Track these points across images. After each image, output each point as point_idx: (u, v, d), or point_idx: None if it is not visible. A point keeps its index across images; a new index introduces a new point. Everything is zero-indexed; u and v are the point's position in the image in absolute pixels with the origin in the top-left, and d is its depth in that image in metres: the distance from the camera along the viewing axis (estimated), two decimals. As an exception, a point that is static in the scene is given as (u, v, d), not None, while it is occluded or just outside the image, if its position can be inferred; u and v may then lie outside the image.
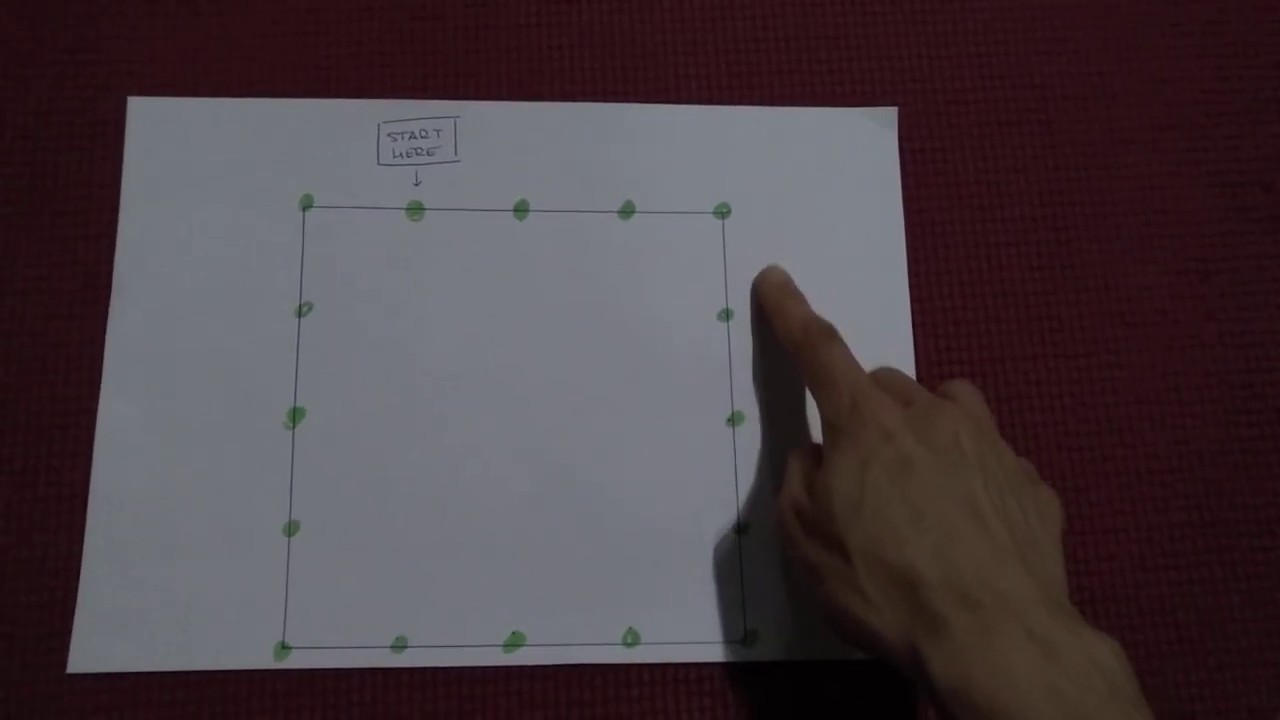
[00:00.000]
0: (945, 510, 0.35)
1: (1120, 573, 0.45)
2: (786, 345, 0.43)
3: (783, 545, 0.40)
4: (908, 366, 0.46)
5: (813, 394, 0.41)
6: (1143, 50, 0.50)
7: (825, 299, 0.46)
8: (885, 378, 0.41)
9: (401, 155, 0.47)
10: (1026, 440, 0.46)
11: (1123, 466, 0.46)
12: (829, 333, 0.42)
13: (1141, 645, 0.44)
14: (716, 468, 0.45)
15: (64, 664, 0.42)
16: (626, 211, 0.47)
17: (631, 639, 0.43)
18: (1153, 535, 0.46)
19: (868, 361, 0.45)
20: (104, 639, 0.42)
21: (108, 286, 0.45)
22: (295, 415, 0.44)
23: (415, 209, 0.47)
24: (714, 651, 0.43)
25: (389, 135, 0.47)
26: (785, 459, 0.41)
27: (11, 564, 0.43)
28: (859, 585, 0.35)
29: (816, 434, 0.44)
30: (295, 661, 0.42)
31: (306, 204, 0.46)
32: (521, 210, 0.47)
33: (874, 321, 0.47)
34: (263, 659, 0.42)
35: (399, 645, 0.43)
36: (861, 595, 0.35)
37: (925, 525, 0.35)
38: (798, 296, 0.45)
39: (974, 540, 0.35)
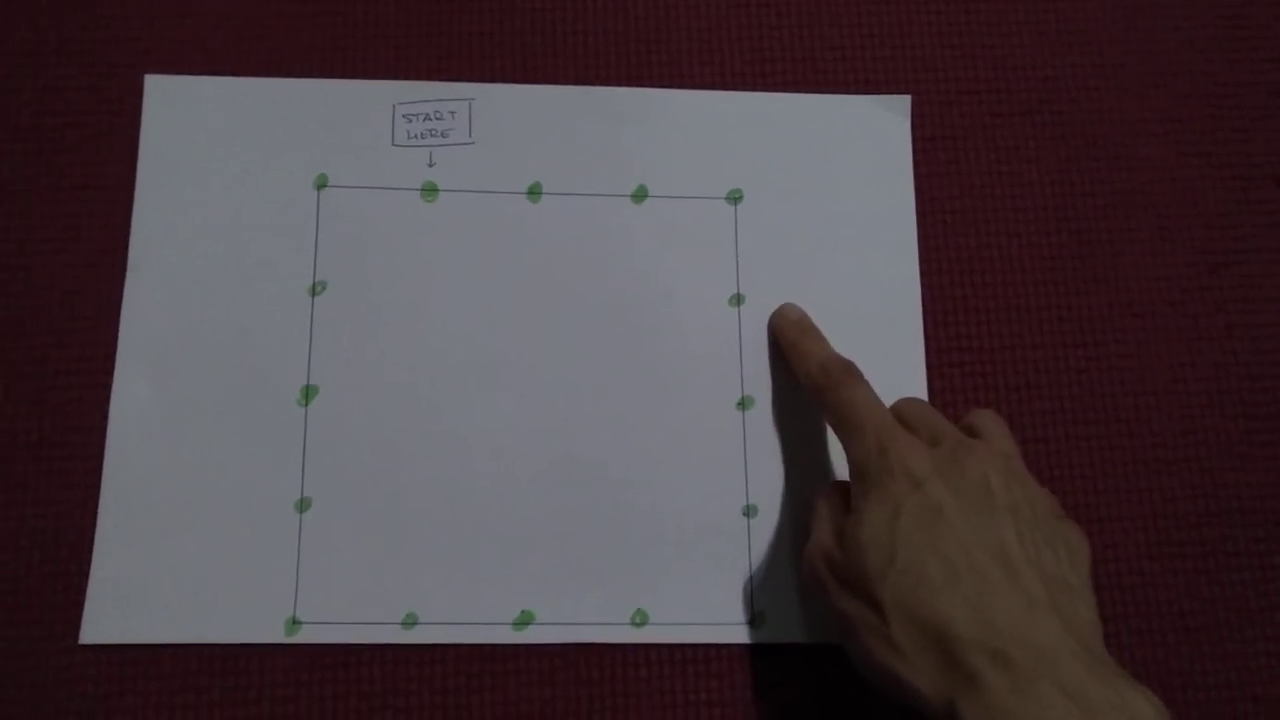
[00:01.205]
0: (978, 561, 0.35)
1: (1127, 560, 0.45)
2: (805, 385, 0.43)
3: (814, 592, 0.40)
4: (917, 355, 0.47)
5: (837, 435, 0.41)
6: (1155, 42, 0.51)
7: (836, 286, 0.47)
8: (909, 412, 0.41)
9: (416, 136, 0.47)
10: (1035, 429, 0.46)
11: (1130, 456, 0.46)
12: (850, 371, 0.41)
13: (1147, 634, 0.45)
14: (726, 451, 0.45)
15: (77, 635, 0.42)
16: (639, 196, 0.47)
17: (640, 619, 0.44)
18: (1159, 525, 0.46)
19: (878, 350, 0.45)
20: (116, 611, 0.42)
21: (123, 263, 0.45)
22: (308, 393, 0.45)
23: (430, 190, 0.47)
24: (721, 632, 0.44)
25: (404, 116, 0.47)
26: (814, 501, 0.41)
27: (26, 536, 0.43)
28: (892, 639, 0.35)
29: (823, 421, 0.45)
30: (306, 636, 0.43)
31: (321, 183, 0.47)
32: (535, 193, 0.47)
33: (884, 309, 0.47)
34: (274, 633, 0.43)
35: (409, 622, 0.43)
36: (895, 649, 0.35)
37: (958, 579, 0.35)
38: (815, 335, 0.45)
39: (1007, 593, 0.34)
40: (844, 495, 0.40)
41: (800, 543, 0.44)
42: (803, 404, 0.46)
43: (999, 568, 0.35)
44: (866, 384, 0.41)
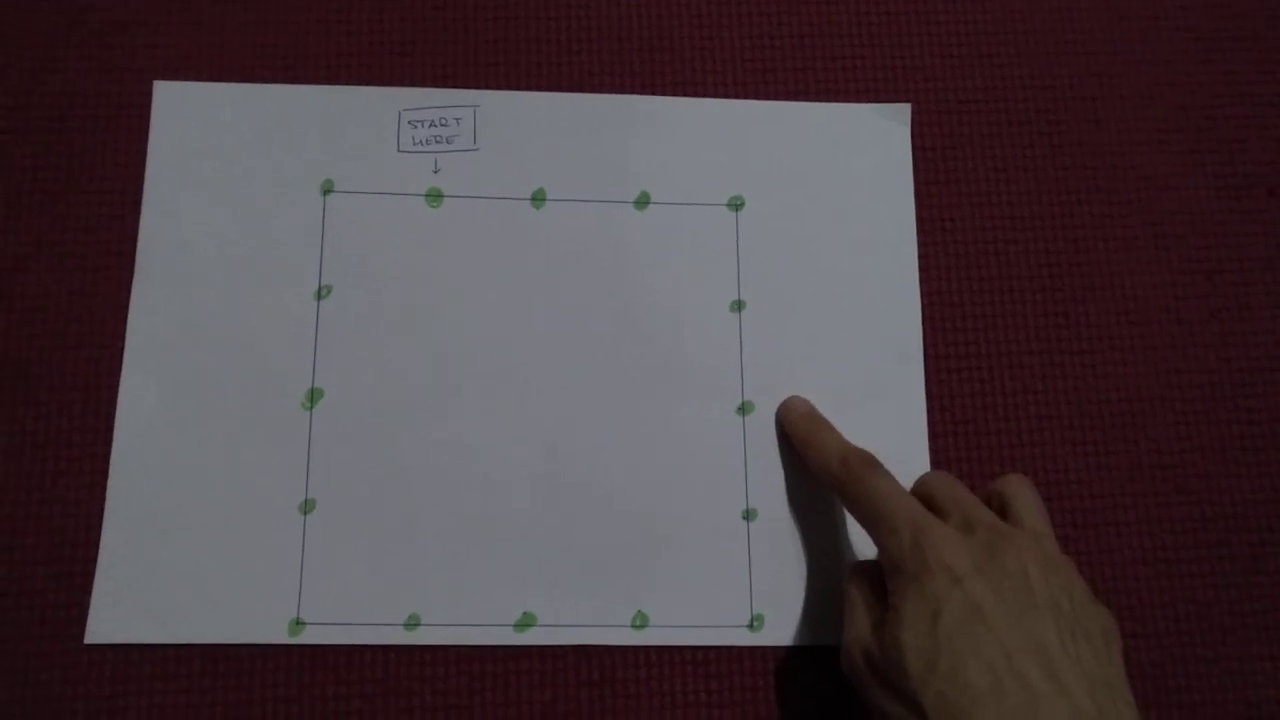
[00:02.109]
0: (1021, 667, 0.34)
1: (1121, 565, 0.46)
2: (824, 478, 0.42)
3: (850, 680, 0.39)
4: (916, 361, 0.47)
5: (864, 527, 0.40)
6: (1152, 53, 0.51)
7: (835, 293, 0.47)
8: (938, 492, 0.40)
9: (422, 143, 0.48)
10: (1031, 434, 0.47)
11: (1125, 461, 0.47)
12: (870, 463, 0.41)
13: (1141, 637, 0.45)
14: (726, 455, 0.46)
15: (82, 634, 0.42)
16: (642, 202, 0.48)
17: (640, 621, 0.44)
18: (1153, 529, 0.46)
19: (877, 357, 0.46)
20: (121, 611, 0.43)
21: (130, 267, 0.46)
22: (313, 396, 0.45)
23: (434, 196, 0.47)
24: (721, 635, 0.44)
25: (409, 123, 0.48)
26: (845, 586, 0.40)
27: (32, 536, 0.43)
28: None
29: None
30: (309, 637, 0.43)
31: (327, 189, 0.47)
32: (539, 199, 0.48)
33: (883, 315, 0.47)
34: (277, 634, 0.43)
35: (412, 623, 0.43)
36: None
37: (1002, 689, 0.34)
38: (827, 427, 0.44)
39: (1052, 704, 0.33)
40: (873, 579, 0.40)
41: (799, 545, 0.45)
42: (802, 409, 0.46)
43: (1042, 674, 0.34)
44: (888, 473, 0.40)
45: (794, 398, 0.46)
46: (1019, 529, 0.38)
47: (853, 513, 0.41)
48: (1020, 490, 0.40)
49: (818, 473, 0.43)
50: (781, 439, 0.46)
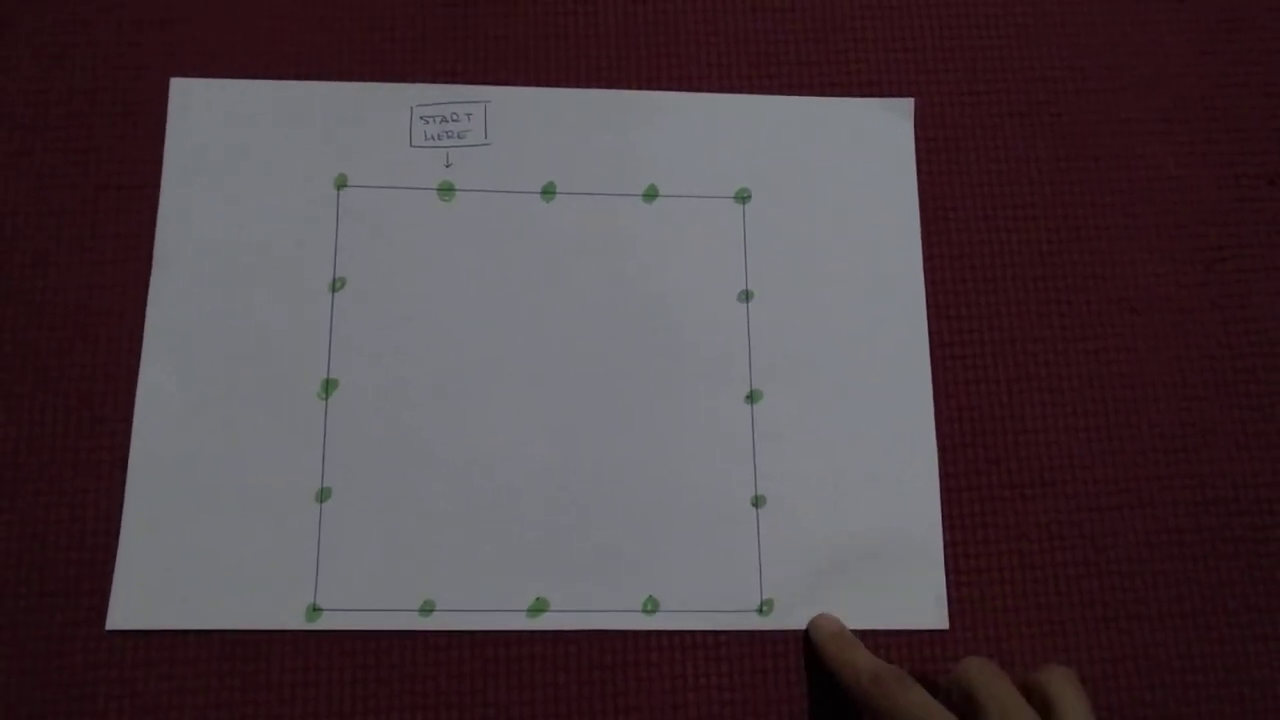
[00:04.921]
0: None
1: (1125, 548, 0.46)
2: (854, 695, 0.41)
3: None
4: (921, 350, 0.48)
5: None
6: (1153, 44, 0.52)
7: (841, 283, 0.48)
8: (978, 687, 0.38)
9: (434, 138, 0.48)
10: (1035, 422, 0.47)
11: (1128, 447, 0.47)
12: (902, 678, 0.40)
13: (1145, 619, 0.46)
14: (735, 443, 0.46)
15: (104, 620, 0.43)
16: (650, 195, 0.49)
17: (651, 606, 0.45)
18: (1157, 513, 0.47)
19: (883, 346, 0.46)
20: (142, 597, 0.43)
21: (148, 260, 0.46)
22: (328, 386, 0.46)
23: (446, 190, 0.48)
24: (731, 620, 0.45)
25: (422, 118, 0.49)
26: None
27: (54, 524, 0.44)
28: None
29: (830, 413, 0.46)
30: (326, 623, 0.44)
31: (341, 183, 0.48)
32: (549, 192, 0.48)
33: (888, 305, 0.48)
34: (295, 620, 0.44)
35: (426, 609, 0.44)
36: None
37: None
38: (856, 645, 0.43)
39: None
40: None
41: (808, 531, 0.45)
42: (808, 398, 0.47)
43: None
44: (919, 687, 0.39)
45: (823, 615, 0.45)
46: None
47: None
48: (1065, 690, 0.38)
49: (849, 688, 0.41)
50: (791, 424, 0.46)
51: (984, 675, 0.38)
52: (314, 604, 0.44)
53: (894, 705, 0.39)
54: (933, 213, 0.49)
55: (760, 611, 0.45)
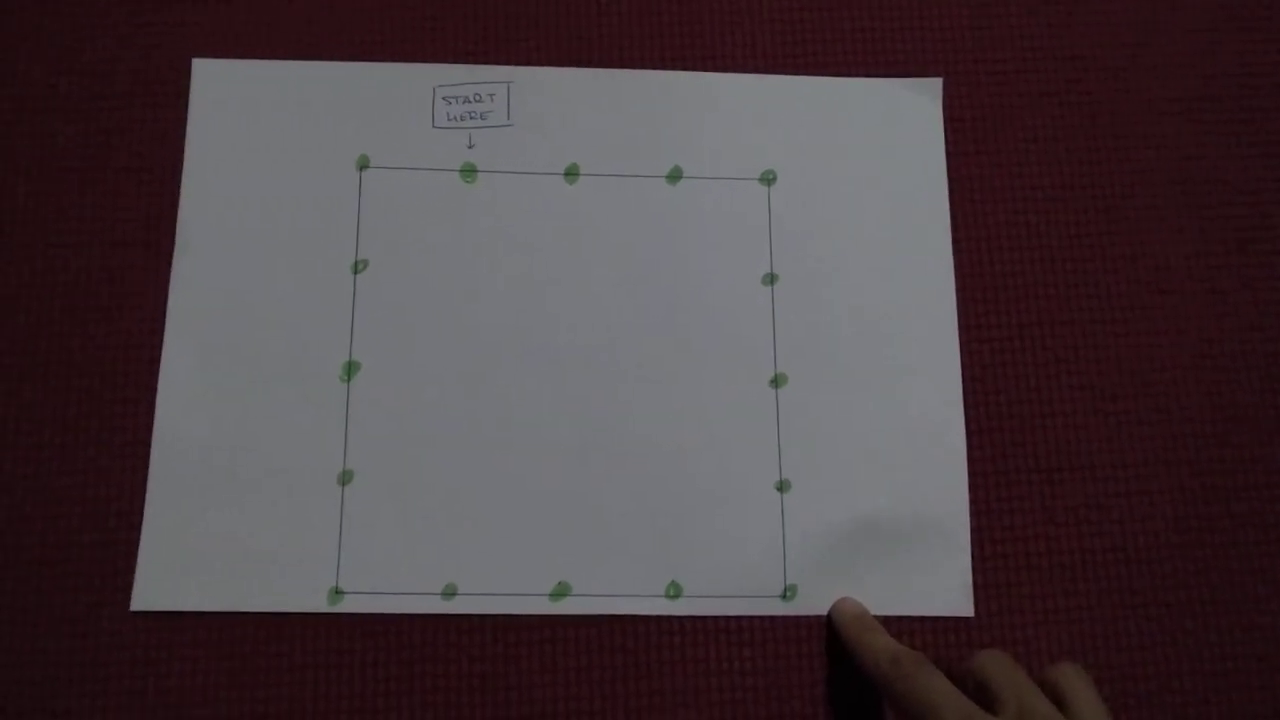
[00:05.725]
0: None
1: (1155, 533, 0.46)
2: (873, 677, 0.41)
3: None
4: (950, 333, 0.47)
5: None
6: (1180, 23, 0.51)
7: (868, 266, 0.48)
8: (993, 675, 0.39)
9: (456, 119, 0.48)
10: (1063, 404, 0.47)
11: (1158, 430, 0.47)
12: (922, 662, 0.40)
13: (1175, 605, 0.45)
14: (759, 427, 0.46)
15: (128, 602, 0.43)
16: (674, 177, 0.48)
17: (674, 591, 0.44)
18: (1188, 498, 0.46)
19: (912, 328, 0.46)
20: (166, 579, 0.43)
21: (171, 242, 0.46)
22: (350, 369, 0.46)
23: (469, 171, 0.48)
24: (754, 605, 0.44)
25: (444, 99, 0.48)
26: None
27: (79, 505, 0.44)
28: None
29: (856, 397, 0.46)
30: (348, 606, 0.44)
31: (363, 164, 0.48)
32: (572, 174, 0.48)
33: (917, 288, 0.48)
34: (317, 603, 0.44)
35: (449, 593, 0.44)
36: None
37: None
38: (877, 628, 0.43)
39: None
40: None
41: (832, 516, 0.45)
42: (834, 381, 0.46)
43: None
44: (938, 671, 0.39)
45: (845, 599, 0.45)
46: None
47: (901, 710, 0.39)
48: (1077, 686, 0.38)
49: (869, 671, 0.41)
50: (816, 408, 0.46)
51: (1000, 665, 0.39)
52: (336, 587, 0.44)
53: (912, 688, 0.39)
54: (961, 194, 0.49)
55: (784, 597, 0.45)
